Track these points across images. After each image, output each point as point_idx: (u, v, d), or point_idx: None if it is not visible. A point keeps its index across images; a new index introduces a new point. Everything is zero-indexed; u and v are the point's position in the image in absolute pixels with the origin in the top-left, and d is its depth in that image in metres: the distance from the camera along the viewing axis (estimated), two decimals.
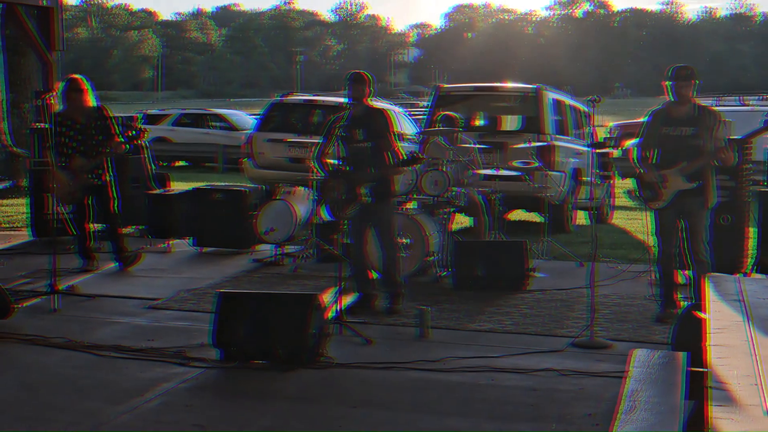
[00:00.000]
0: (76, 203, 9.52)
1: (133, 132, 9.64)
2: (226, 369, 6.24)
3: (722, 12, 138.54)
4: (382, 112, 7.96)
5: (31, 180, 11.72)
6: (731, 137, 9.04)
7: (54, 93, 9.83)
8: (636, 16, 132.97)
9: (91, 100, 9.52)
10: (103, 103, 9.73)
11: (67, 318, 7.66)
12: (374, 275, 8.17)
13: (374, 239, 8.16)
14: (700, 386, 4.26)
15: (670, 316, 7.57)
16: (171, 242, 11.32)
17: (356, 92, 7.88)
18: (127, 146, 9.72)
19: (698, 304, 5.54)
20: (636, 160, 7.84)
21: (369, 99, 7.96)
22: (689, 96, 7.60)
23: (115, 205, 9.63)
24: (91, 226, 9.68)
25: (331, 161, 8.05)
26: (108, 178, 9.58)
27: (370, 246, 8.20)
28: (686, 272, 8.37)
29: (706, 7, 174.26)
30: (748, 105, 26.52)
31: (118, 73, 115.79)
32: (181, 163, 27.68)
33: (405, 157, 7.87)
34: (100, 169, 9.50)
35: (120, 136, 9.51)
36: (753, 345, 3.70)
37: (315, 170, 8.10)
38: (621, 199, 16.29)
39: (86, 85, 9.51)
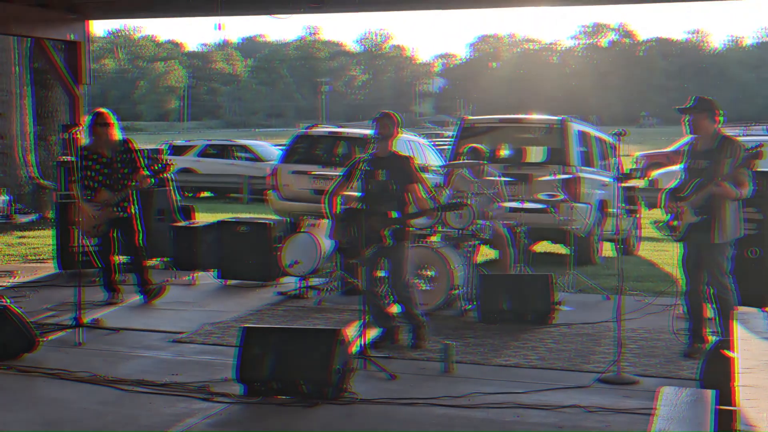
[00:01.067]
0: (101, 236, 9.54)
1: (159, 165, 9.67)
2: (250, 404, 6.22)
3: (749, 41, 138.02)
4: (407, 159, 7.98)
5: (57, 212, 11.80)
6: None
7: (80, 126, 9.90)
8: (662, 45, 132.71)
9: (117, 134, 9.58)
10: (129, 136, 9.78)
11: (91, 352, 7.67)
12: (396, 308, 8.10)
13: (386, 278, 8.07)
14: (728, 426, 4.20)
15: (697, 351, 7.49)
16: (195, 275, 11.34)
17: (383, 129, 7.89)
18: (152, 180, 9.75)
19: (726, 340, 5.47)
20: (665, 192, 7.79)
21: (395, 139, 7.97)
22: (707, 127, 7.54)
23: (140, 237, 9.65)
24: (116, 258, 9.70)
25: (346, 196, 8.03)
26: (133, 211, 9.61)
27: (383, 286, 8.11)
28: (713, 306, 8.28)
29: (732, 36, 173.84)
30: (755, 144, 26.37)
31: (144, 103, 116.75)
32: (206, 194, 27.79)
33: (443, 203, 7.83)
34: (125, 202, 9.53)
35: (146, 169, 9.55)
36: None
37: (323, 208, 8.07)
38: (648, 230, 16.16)
39: (112, 119, 9.57)
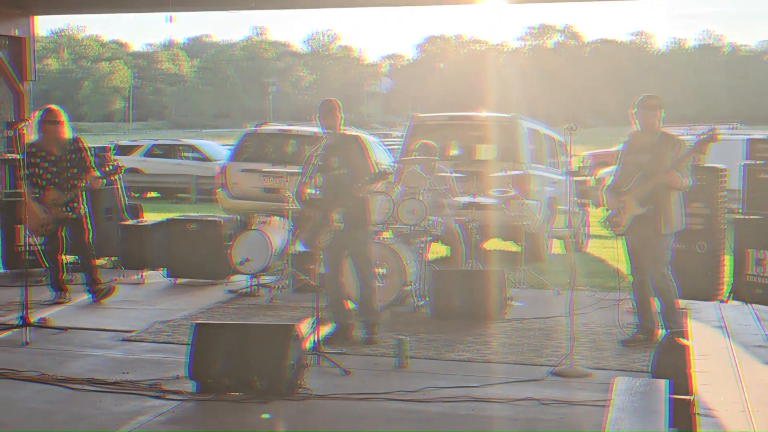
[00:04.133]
0: (49, 235, 9.39)
1: (110, 167, 9.47)
2: (203, 401, 6.15)
3: (691, 42, 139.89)
4: (356, 138, 7.94)
5: (1, 211, 11.56)
6: (703, 164, 9.10)
7: (27, 122, 9.71)
8: (606, 46, 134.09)
9: (67, 132, 9.40)
10: (79, 135, 9.62)
11: (39, 351, 7.53)
12: (351, 305, 8.09)
13: (351, 269, 8.09)
14: (683, 414, 4.22)
15: (636, 341, 7.77)
16: (144, 273, 11.21)
17: (328, 120, 7.84)
18: (104, 181, 9.56)
19: (680, 331, 5.52)
20: (604, 189, 7.93)
21: (342, 126, 7.92)
22: (654, 124, 7.70)
23: (90, 237, 9.51)
24: (63, 258, 9.55)
25: (308, 192, 7.99)
26: (83, 212, 9.47)
27: (346, 276, 8.12)
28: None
29: (675, 38, 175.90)
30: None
31: (88, 104, 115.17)
32: (153, 194, 27.51)
33: (373, 175, 7.78)
34: (74, 202, 9.37)
35: (96, 170, 9.39)
36: (738, 371, 3.67)
37: (293, 203, 8.02)
38: (596, 228, 16.29)
39: (63, 117, 9.39)
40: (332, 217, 7.65)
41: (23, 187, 9.22)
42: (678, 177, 7.54)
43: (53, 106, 9.50)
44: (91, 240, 9.53)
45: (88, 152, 9.44)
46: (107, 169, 9.43)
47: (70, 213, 9.37)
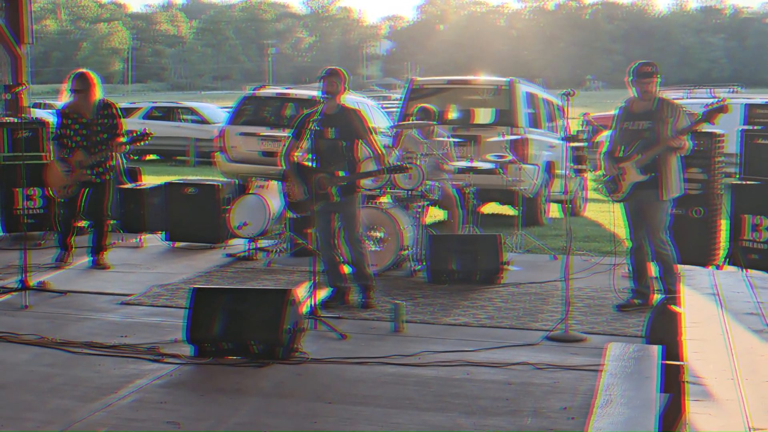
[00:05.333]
0: (69, 197, 9.39)
1: (138, 133, 9.26)
2: (200, 365, 6.20)
3: (693, 4, 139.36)
4: (356, 112, 7.90)
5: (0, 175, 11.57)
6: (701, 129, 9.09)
7: (25, 87, 9.69)
8: (607, 8, 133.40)
9: (98, 94, 9.35)
10: (112, 99, 9.55)
11: (38, 315, 7.58)
12: (347, 269, 8.12)
13: (341, 233, 8.11)
14: (674, 379, 4.27)
15: (631, 306, 7.86)
16: (143, 237, 11.25)
17: (330, 86, 7.81)
18: (128, 147, 9.50)
19: (673, 297, 5.56)
20: (602, 155, 7.94)
21: (343, 96, 7.90)
22: (651, 92, 7.69)
23: (108, 204, 9.49)
24: (77, 223, 9.58)
25: (297, 155, 7.98)
26: (108, 178, 9.42)
27: (339, 240, 8.16)
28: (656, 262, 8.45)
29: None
30: (718, 97, 26.69)
31: (87, 65, 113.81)
32: (152, 156, 27.51)
33: (389, 165, 7.82)
34: (100, 167, 9.31)
35: (125, 136, 9.35)
36: (729, 339, 3.71)
37: (280, 165, 8.03)
38: (593, 192, 16.32)
39: (95, 80, 9.34)
40: (331, 191, 7.69)
41: (51, 148, 9.19)
42: (685, 141, 7.58)
43: (85, 70, 9.46)
44: (108, 208, 9.52)
45: (121, 118, 9.39)
46: (135, 134, 9.33)
47: (94, 177, 9.33)
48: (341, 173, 7.76)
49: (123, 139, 9.30)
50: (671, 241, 7.82)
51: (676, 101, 7.86)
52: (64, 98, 9.48)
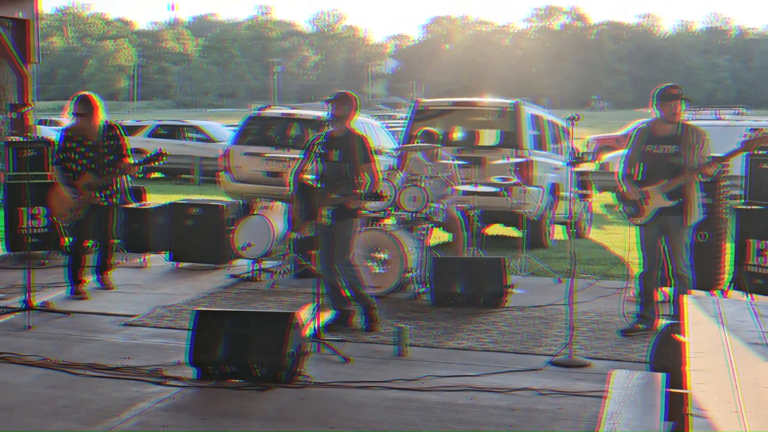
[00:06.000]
0: (77, 222, 9.24)
1: (152, 153, 9.18)
2: (203, 388, 6.19)
3: (698, 25, 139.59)
4: (362, 139, 7.89)
5: (5, 193, 11.60)
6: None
7: (31, 107, 9.69)
8: (613, 28, 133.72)
9: (102, 118, 9.27)
10: (114, 121, 9.51)
11: (41, 335, 7.57)
12: (348, 292, 8.09)
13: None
14: (679, 408, 4.25)
15: (636, 331, 7.84)
16: (147, 257, 11.24)
17: (339, 110, 7.82)
18: (140, 168, 9.49)
19: (677, 324, 5.54)
20: (620, 176, 7.89)
21: (352, 120, 7.91)
22: (677, 114, 7.65)
23: (114, 227, 9.45)
24: (87, 252, 9.39)
25: (306, 177, 7.99)
26: (115, 201, 9.37)
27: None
28: (665, 289, 8.42)
29: (682, 20, 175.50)
30: (723, 119, 26.67)
31: (93, 82, 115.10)
32: (157, 174, 27.54)
33: (365, 192, 7.75)
34: (107, 190, 9.25)
35: (131, 156, 9.33)
36: (733, 370, 3.69)
37: (289, 186, 8.03)
38: (598, 213, 16.32)
39: (98, 103, 9.28)
40: (321, 212, 7.67)
41: (55, 171, 9.15)
42: (711, 169, 7.62)
43: (88, 93, 9.39)
44: (114, 230, 9.48)
45: (125, 139, 9.33)
46: (149, 154, 9.24)
47: (102, 200, 9.26)
48: (333, 195, 7.73)
49: (131, 160, 9.27)
50: (692, 265, 7.80)
51: (699, 127, 7.80)
52: (67, 117, 9.38)
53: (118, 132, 9.33)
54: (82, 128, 9.23)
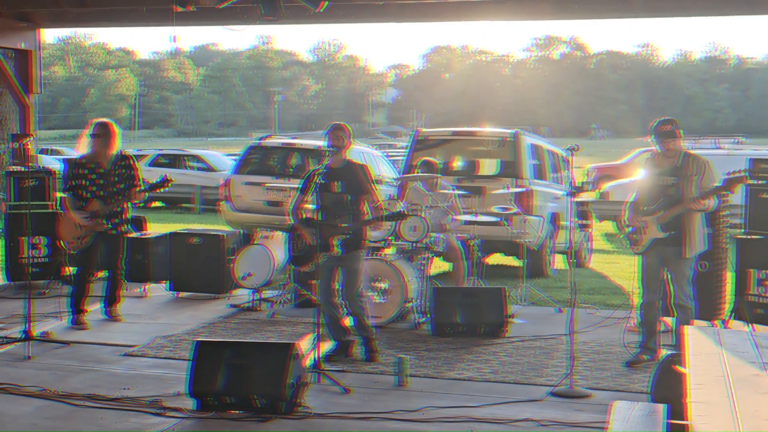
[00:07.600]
0: (83, 250, 9.22)
1: (158, 180, 9.11)
2: (203, 419, 6.17)
3: (697, 55, 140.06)
4: (363, 168, 7.93)
5: (6, 223, 11.61)
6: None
7: (31, 138, 9.70)
8: (612, 57, 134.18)
9: (117, 146, 9.25)
10: (128, 152, 9.47)
11: (41, 366, 7.56)
12: (349, 321, 8.08)
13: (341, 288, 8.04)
14: None
15: (641, 362, 7.80)
16: (147, 287, 11.23)
17: (337, 140, 7.85)
18: (146, 194, 9.48)
19: (677, 355, 5.53)
20: (628, 204, 7.93)
21: (349, 150, 7.94)
22: (674, 149, 7.67)
23: (123, 257, 9.44)
24: (91, 282, 9.33)
25: (307, 208, 8.00)
26: (123, 230, 9.35)
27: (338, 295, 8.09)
28: (666, 320, 8.40)
29: (681, 50, 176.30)
30: (723, 148, 26.76)
31: (94, 111, 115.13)
32: (157, 203, 27.55)
33: (387, 213, 7.82)
34: (116, 218, 9.23)
35: (143, 186, 9.28)
36: (734, 401, 3.68)
37: (288, 220, 8.03)
38: (599, 242, 16.32)
39: (116, 130, 9.26)
40: (332, 242, 7.68)
41: (66, 200, 9.12)
42: (705, 204, 7.56)
43: (106, 120, 9.40)
44: (123, 261, 9.46)
45: (139, 170, 9.31)
46: (155, 181, 9.20)
47: (111, 228, 9.24)
48: (343, 225, 7.76)
49: (142, 187, 9.26)
50: (694, 296, 7.79)
51: (703, 157, 7.80)
52: (83, 145, 9.34)
53: (132, 162, 9.30)
54: (96, 155, 9.19)
